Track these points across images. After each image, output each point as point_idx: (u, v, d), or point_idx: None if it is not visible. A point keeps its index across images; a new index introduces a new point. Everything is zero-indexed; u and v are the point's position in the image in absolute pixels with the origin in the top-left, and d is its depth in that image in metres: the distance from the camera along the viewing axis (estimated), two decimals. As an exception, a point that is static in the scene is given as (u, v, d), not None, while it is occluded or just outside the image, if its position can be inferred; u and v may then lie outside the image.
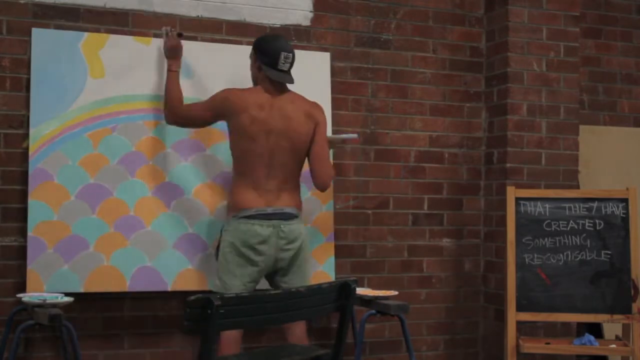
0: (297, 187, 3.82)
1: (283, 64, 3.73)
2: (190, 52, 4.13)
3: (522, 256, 4.31)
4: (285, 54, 3.73)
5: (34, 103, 3.87)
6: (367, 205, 4.61)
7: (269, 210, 3.67)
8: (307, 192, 4.24)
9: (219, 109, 3.75)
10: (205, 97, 3.90)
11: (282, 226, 3.68)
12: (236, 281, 3.64)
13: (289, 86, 3.83)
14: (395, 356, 4.63)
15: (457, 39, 4.84)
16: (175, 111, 3.83)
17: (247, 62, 3.88)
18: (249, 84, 3.88)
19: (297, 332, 3.76)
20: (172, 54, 3.92)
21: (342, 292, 2.86)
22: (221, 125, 3.89)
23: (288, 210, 3.72)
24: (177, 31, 3.98)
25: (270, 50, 3.73)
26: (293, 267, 3.75)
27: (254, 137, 3.67)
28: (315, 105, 3.86)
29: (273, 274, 3.77)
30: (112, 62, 4.00)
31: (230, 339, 3.61)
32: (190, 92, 4.04)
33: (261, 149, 3.68)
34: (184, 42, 4.14)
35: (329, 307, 2.89)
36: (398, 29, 4.69)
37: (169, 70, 3.90)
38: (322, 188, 3.84)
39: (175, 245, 4.04)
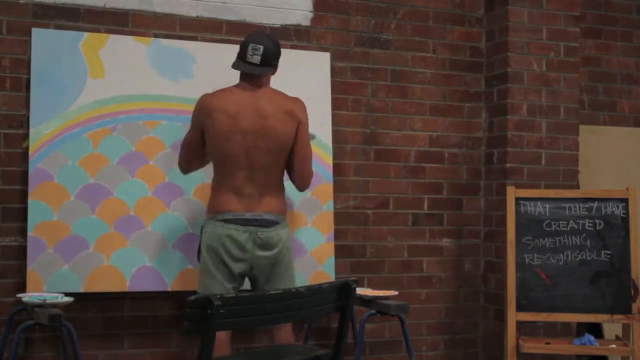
0: (280, 190, 3.69)
1: (251, 55, 3.60)
2: (190, 52, 4.14)
3: (522, 256, 4.31)
4: (254, 45, 3.61)
5: (34, 103, 3.87)
6: (367, 205, 4.61)
7: (247, 215, 3.56)
8: (307, 192, 4.24)
9: (197, 121, 3.65)
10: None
11: (258, 233, 3.55)
12: (216, 283, 3.56)
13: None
14: (395, 356, 4.63)
15: (457, 39, 4.84)
16: (190, 163, 3.79)
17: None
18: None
19: (283, 332, 3.70)
20: None
21: (342, 292, 2.86)
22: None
23: (268, 216, 3.59)
24: None
25: (241, 44, 3.66)
26: (274, 274, 3.64)
27: (228, 137, 3.55)
28: (297, 102, 3.68)
29: (255, 281, 3.67)
30: (112, 62, 4.00)
31: (218, 342, 3.50)
32: (191, 92, 4.04)
33: (237, 149, 3.55)
34: (183, 42, 4.14)
35: (329, 307, 2.88)
36: (398, 29, 4.69)
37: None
38: (302, 188, 3.74)
39: (175, 245, 4.04)
